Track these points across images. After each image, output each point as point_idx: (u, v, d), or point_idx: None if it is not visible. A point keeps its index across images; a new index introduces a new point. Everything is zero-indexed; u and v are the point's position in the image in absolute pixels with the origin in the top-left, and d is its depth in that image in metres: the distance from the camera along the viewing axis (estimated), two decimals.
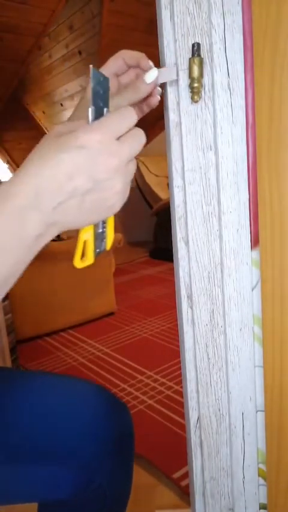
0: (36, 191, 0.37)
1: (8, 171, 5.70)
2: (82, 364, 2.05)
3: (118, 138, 0.41)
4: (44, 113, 4.78)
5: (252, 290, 0.62)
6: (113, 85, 0.53)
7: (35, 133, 4.99)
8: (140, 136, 0.43)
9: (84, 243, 0.45)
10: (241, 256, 0.60)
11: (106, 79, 0.44)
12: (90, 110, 0.41)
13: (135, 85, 0.51)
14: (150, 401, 1.67)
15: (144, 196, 4.58)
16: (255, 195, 0.59)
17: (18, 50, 3.95)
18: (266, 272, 0.59)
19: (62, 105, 4.47)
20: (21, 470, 0.63)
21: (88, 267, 0.48)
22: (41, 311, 2.36)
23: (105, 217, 0.43)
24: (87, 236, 0.45)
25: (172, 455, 1.36)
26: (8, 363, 1.66)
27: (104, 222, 0.47)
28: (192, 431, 0.68)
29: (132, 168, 0.43)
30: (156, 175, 4.52)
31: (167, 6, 0.54)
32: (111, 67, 0.53)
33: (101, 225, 0.47)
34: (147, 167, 4.53)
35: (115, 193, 0.41)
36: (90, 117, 0.41)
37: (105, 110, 0.43)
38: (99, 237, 0.47)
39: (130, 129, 0.42)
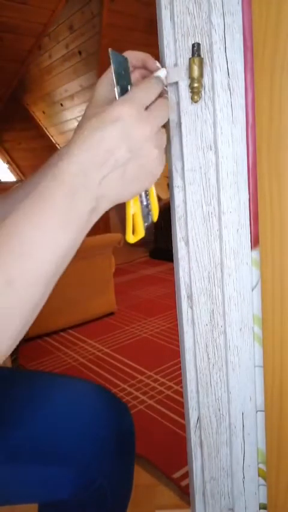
0: (81, 170, 0.40)
1: (8, 171, 5.70)
2: (82, 364, 2.05)
3: (146, 109, 0.43)
4: (44, 113, 4.78)
5: (252, 290, 0.62)
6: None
7: (34, 134, 4.99)
8: (166, 105, 0.46)
9: (133, 217, 0.48)
10: (241, 256, 0.60)
11: (125, 59, 0.47)
12: (116, 89, 0.45)
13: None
14: (150, 401, 1.67)
15: None
16: (255, 195, 0.59)
17: (18, 50, 3.95)
18: (266, 272, 0.59)
19: (62, 105, 4.47)
20: (21, 470, 0.63)
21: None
22: (41, 311, 2.36)
23: (148, 186, 0.46)
24: (134, 210, 0.48)
25: (172, 455, 1.36)
26: (8, 363, 1.66)
27: (147, 195, 0.50)
28: (192, 431, 0.68)
29: (163, 137, 0.45)
30: None
31: (167, 6, 0.54)
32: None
33: (144, 198, 0.50)
34: None
35: (153, 159, 0.44)
36: (117, 96, 0.44)
37: (129, 87, 0.46)
38: (145, 210, 0.50)
39: (155, 100, 0.45)
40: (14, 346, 0.42)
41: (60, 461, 0.63)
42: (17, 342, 0.42)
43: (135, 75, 0.54)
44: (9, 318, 0.40)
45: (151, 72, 0.52)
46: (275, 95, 0.52)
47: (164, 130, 0.46)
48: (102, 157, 0.41)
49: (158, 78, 0.47)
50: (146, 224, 0.50)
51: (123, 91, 0.45)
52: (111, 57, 0.45)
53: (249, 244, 0.60)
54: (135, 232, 0.49)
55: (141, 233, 0.49)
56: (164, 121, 0.46)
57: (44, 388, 0.70)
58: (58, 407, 0.67)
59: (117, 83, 0.45)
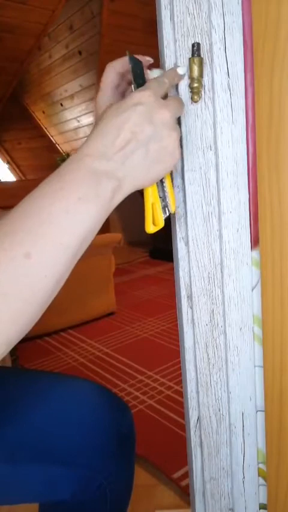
0: (102, 152, 0.42)
1: (8, 171, 5.70)
2: (82, 364, 2.05)
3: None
4: (43, 112, 4.78)
5: (252, 290, 0.62)
6: (115, 97, 0.54)
7: (34, 133, 4.99)
8: (180, 100, 0.49)
9: (152, 206, 0.49)
10: (241, 256, 0.60)
11: (140, 61, 0.51)
12: (132, 86, 0.48)
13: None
14: (150, 401, 1.67)
15: None
16: (255, 195, 0.59)
17: (18, 50, 3.96)
18: (266, 272, 0.59)
19: (61, 105, 4.47)
20: (21, 470, 0.63)
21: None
22: None
23: (169, 168, 0.47)
24: (153, 199, 0.49)
25: (172, 455, 1.36)
26: (8, 363, 1.66)
27: (163, 187, 0.51)
28: (192, 431, 0.68)
29: (178, 127, 0.47)
30: None
31: (167, 6, 0.54)
32: (107, 83, 0.53)
33: (161, 190, 0.51)
34: None
35: (173, 141, 0.45)
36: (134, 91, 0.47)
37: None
38: (163, 201, 0.51)
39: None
40: (29, 328, 0.41)
41: (61, 462, 0.63)
42: (30, 327, 0.41)
43: (126, 82, 0.55)
44: (30, 288, 0.38)
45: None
46: (274, 95, 0.52)
47: (178, 127, 0.48)
48: (124, 138, 0.42)
49: (165, 76, 0.50)
50: (165, 216, 0.51)
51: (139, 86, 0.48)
52: (129, 58, 0.49)
53: (249, 244, 0.60)
54: (155, 222, 0.51)
55: (161, 223, 0.50)
56: (179, 113, 0.48)
57: (45, 388, 0.70)
58: (58, 407, 0.67)
59: (134, 81, 0.48)
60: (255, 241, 0.60)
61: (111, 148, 0.42)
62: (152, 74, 0.52)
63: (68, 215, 0.39)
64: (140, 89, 0.45)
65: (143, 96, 0.43)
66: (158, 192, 0.50)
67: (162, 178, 0.50)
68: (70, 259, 0.41)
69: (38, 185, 0.41)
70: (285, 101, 0.52)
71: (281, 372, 0.61)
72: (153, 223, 0.50)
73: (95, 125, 0.45)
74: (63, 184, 0.40)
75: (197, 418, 0.67)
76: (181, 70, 0.53)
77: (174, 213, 0.56)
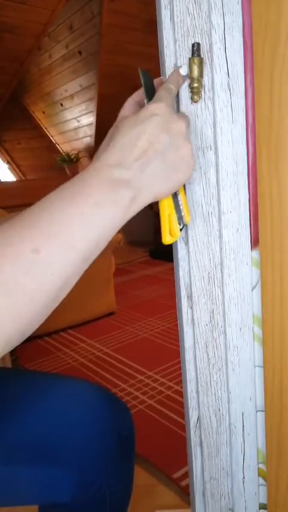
0: (120, 161, 0.42)
1: (8, 171, 5.70)
2: (82, 364, 2.05)
3: None
4: (43, 112, 4.78)
5: (252, 290, 0.62)
6: None
7: (34, 133, 4.99)
8: (186, 116, 0.52)
9: (168, 217, 0.50)
10: (241, 256, 0.60)
11: (150, 76, 0.52)
12: (145, 101, 0.50)
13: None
14: (150, 401, 1.67)
15: None
16: (255, 195, 0.59)
17: (18, 50, 3.96)
18: (266, 272, 0.59)
19: (62, 105, 4.47)
20: (21, 472, 0.63)
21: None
22: None
23: (186, 178, 0.48)
24: (169, 210, 0.50)
25: (172, 455, 1.36)
26: (8, 363, 1.66)
27: (178, 199, 0.52)
28: (192, 431, 0.68)
29: (192, 143, 0.49)
30: None
31: (166, 6, 0.54)
32: (126, 112, 0.54)
33: (176, 200, 0.52)
34: None
35: (189, 150, 0.46)
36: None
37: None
38: (178, 213, 0.52)
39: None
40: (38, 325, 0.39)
41: (61, 463, 0.63)
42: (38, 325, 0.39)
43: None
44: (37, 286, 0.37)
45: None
46: (274, 95, 0.52)
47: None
48: (142, 147, 0.42)
49: (170, 83, 0.51)
50: (181, 227, 0.52)
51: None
52: (141, 74, 0.51)
53: (249, 244, 0.60)
54: (172, 233, 0.51)
55: (177, 233, 0.51)
56: (187, 127, 0.49)
57: (44, 389, 0.70)
58: (58, 409, 0.67)
59: (147, 95, 0.49)
60: (255, 241, 0.60)
61: (130, 157, 0.42)
62: (182, 70, 0.54)
63: (83, 217, 0.39)
64: (153, 100, 0.46)
65: (157, 108, 0.44)
66: (173, 202, 0.51)
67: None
68: (80, 263, 0.40)
69: (55, 189, 0.41)
70: (285, 101, 0.52)
71: (281, 372, 0.61)
72: (170, 234, 0.51)
73: (111, 136, 0.46)
74: (81, 189, 0.40)
75: (197, 418, 0.67)
76: (183, 70, 0.53)
77: (188, 224, 0.57)
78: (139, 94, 0.54)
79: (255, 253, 0.61)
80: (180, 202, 0.53)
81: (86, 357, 2.13)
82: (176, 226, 0.51)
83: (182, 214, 0.53)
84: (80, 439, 0.65)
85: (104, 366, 2.01)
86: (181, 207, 0.53)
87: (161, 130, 0.43)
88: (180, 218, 0.52)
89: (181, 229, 0.52)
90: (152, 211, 4.41)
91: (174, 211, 0.51)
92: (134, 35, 3.47)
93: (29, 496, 0.67)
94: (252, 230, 0.60)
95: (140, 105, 0.54)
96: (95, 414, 0.68)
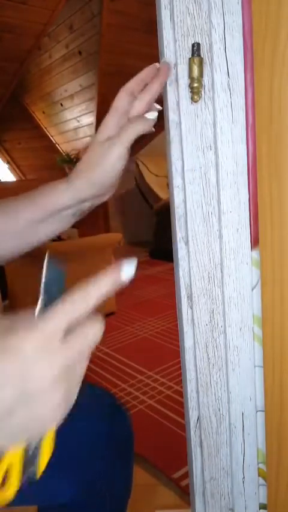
0: None
1: (8, 171, 5.70)
2: None
3: (65, 335, 0.33)
4: (43, 112, 4.78)
5: (252, 290, 0.62)
6: (121, 121, 0.55)
7: (34, 133, 4.99)
8: (94, 331, 0.34)
9: (8, 467, 0.36)
10: (241, 256, 0.60)
11: (61, 270, 0.39)
12: (40, 300, 0.36)
13: (142, 118, 0.54)
14: (150, 401, 1.67)
15: (144, 196, 4.58)
16: (255, 194, 0.59)
17: (18, 50, 3.95)
18: (266, 272, 0.59)
19: (61, 105, 4.47)
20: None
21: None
22: None
23: (36, 437, 0.36)
24: (13, 459, 0.36)
25: (172, 455, 1.36)
26: None
27: (37, 445, 0.38)
28: (192, 431, 0.68)
29: (80, 371, 0.36)
30: (156, 175, 4.53)
31: (167, 6, 0.54)
32: (117, 107, 0.55)
33: (32, 447, 0.38)
34: (147, 167, 4.53)
35: (51, 409, 0.34)
36: (38, 308, 0.35)
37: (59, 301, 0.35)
38: (29, 462, 0.37)
39: (83, 320, 0.34)
40: None
41: (60, 465, 0.63)
42: None
43: (135, 108, 0.55)
44: None
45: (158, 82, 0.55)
46: (274, 95, 0.52)
47: (84, 362, 0.36)
48: None
49: (87, 294, 0.35)
50: (26, 476, 0.37)
51: (49, 303, 0.35)
52: (45, 263, 0.37)
53: (249, 244, 0.60)
54: (6, 485, 0.37)
55: (13, 487, 0.37)
56: (87, 352, 0.35)
57: None
58: None
59: (44, 291, 0.37)
60: (255, 241, 0.60)
61: None
62: (149, 115, 0.53)
63: None
64: (33, 323, 0.33)
65: (26, 344, 0.31)
66: (26, 450, 0.37)
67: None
68: None
69: None
70: (285, 101, 0.52)
71: (281, 372, 0.61)
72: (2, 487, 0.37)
73: None
74: None
75: (197, 418, 0.67)
76: (151, 115, 0.54)
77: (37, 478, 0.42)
78: (135, 82, 0.54)
79: (255, 253, 0.61)
80: (37, 448, 0.38)
81: None
82: (15, 479, 0.37)
83: (35, 464, 0.38)
84: (78, 441, 0.64)
85: (104, 366, 2.01)
86: (37, 457, 0.38)
87: (14, 379, 0.31)
88: (29, 467, 0.37)
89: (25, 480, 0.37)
90: (151, 211, 4.41)
91: (20, 460, 0.36)
92: (134, 35, 3.46)
93: (28, 497, 0.66)
94: (252, 230, 0.60)
95: (133, 97, 0.54)
96: (93, 415, 0.68)
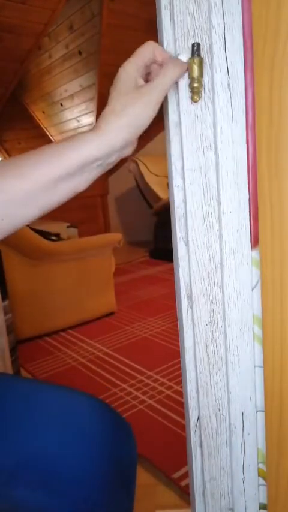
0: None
1: None
2: (82, 364, 2.05)
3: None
4: (43, 112, 4.77)
5: (252, 290, 0.62)
6: (140, 73, 0.53)
7: (34, 133, 4.99)
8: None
9: None
10: (241, 256, 0.60)
11: None
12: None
13: (175, 61, 0.53)
14: (150, 401, 1.67)
15: (144, 196, 4.58)
16: (255, 194, 0.59)
17: (18, 50, 3.95)
18: (266, 272, 0.59)
19: (62, 105, 4.47)
20: (15, 494, 0.58)
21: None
22: (41, 311, 2.36)
23: None
24: None
25: (172, 455, 1.36)
26: (8, 363, 1.66)
27: None
28: (192, 431, 0.68)
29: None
30: (156, 175, 4.53)
31: (166, 6, 0.54)
32: (142, 56, 0.52)
33: None
34: (147, 167, 4.53)
35: None
36: None
37: None
38: None
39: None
40: None
41: (57, 491, 0.58)
42: None
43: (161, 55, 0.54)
44: None
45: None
46: (274, 95, 0.52)
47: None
48: None
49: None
50: None
51: None
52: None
53: (249, 244, 0.60)
54: None
55: None
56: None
57: (40, 410, 0.63)
58: (57, 431, 0.61)
59: None
60: (255, 241, 0.60)
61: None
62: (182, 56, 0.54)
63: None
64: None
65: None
66: None
67: None
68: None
69: None
70: (285, 101, 0.52)
71: (281, 372, 0.61)
72: None
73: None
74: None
75: (197, 418, 0.67)
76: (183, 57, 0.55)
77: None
78: (161, 51, 0.54)
79: (255, 253, 0.61)
80: None
81: (86, 356, 2.13)
82: None
83: None
84: (78, 466, 0.59)
85: (104, 366, 2.01)
86: None
87: None
88: None
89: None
90: (151, 211, 4.41)
91: None
92: (134, 34, 3.46)
93: None
94: (252, 230, 0.60)
95: (150, 64, 0.54)
96: (96, 439, 0.62)
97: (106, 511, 0.62)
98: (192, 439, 0.68)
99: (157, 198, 4.37)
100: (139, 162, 4.49)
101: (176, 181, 0.59)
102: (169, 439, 1.44)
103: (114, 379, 1.88)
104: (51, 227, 3.08)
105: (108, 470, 0.62)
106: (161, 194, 4.36)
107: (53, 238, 2.57)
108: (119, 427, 0.67)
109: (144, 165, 4.53)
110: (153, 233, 4.45)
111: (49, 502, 0.58)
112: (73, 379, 1.91)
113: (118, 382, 1.85)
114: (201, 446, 0.68)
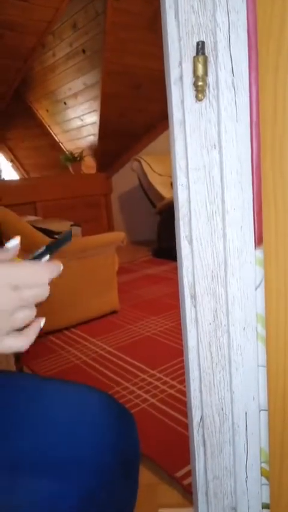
0: None
1: (12, 169, 5.71)
2: (85, 363, 2.05)
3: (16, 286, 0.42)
4: (47, 111, 4.78)
5: (256, 289, 0.62)
6: None
7: (38, 132, 5.00)
8: (41, 293, 0.45)
9: None
10: (245, 255, 0.60)
11: (70, 240, 0.49)
12: (43, 248, 0.46)
13: None
14: (153, 400, 1.67)
15: (148, 195, 4.58)
16: (259, 193, 0.58)
17: (21, 48, 3.96)
18: (269, 271, 0.59)
19: (65, 103, 4.47)
20: (21, 483, 0.61)
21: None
22: (44, 309, 2.35)
23: None
24: None
25: (175, 454, 1.36)
26: (11, 362, 1.66)
27: None
28: (195, 430, 0.68)
29: (21, 318, 0.44)
30: (160, 175, 4.52)
31: (171, 5, 0.54)
32: None
33: None
34: (150, 166, 4.53)
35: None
36: (38, 252, 0.46)
37: (47, 256, 0.47)
38: None
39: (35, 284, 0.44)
40: None
41: (62, 477, 0.61)
42: None
43: None
44: None
45: None
46: (279, 93, 0.52)
47: (30, 310, 0.45)
48: None
49: (47, 267, 0.47)
50: None
51: (39, 256, 0.47)
52: (65, 232, 0.49)
53: (253, 243, 0.60)
54: None
55: None
56: (31, 303, 0.46)
57: (46, 401, 0.67)
58: (61, 419, 0.63)
59: (46, 246, 0.47)
60: (259, 240, 0.60)
61: None
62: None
63: None
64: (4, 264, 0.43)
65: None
66: None
67: None
68: None
69: None
70: None
71: (285, 371, 0.61)
72: None
73: None
74: None
75: (200, 417, 0.67)
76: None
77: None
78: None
79: (259, 252, 0.60)
80: None
81: (89, 355, 2.13)
82: None
83: None
84: (83, 454, 0.62)
85: (107, 365, 2.01)
86: None
87: None
88: None
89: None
90: (155, 210, 4.41)
91: None
92: (138, 33, 3.46)
93: (29, 509, 0.64)
94: (256, 229, 0.60)
95: None
96: (100, 428, 0.64)
97: (110, 501, 0.63)
98: (195, 438, 0.68)
99: (160, 197, 4.37)
100: (142, 161, 4.48)
101: (180, 180, 0.59)
102: (172, 437, 1.44)
103: (117, 378, 1.88)
104: (55, 226, 3.08)
105: (113, 459, 0.64)
106: (164, 193, 4.35)
107: (56, 236, 2.57)
108: (123, 417, 0.68)
109: (148, 164, 4.52)
110: (156, 232, 4.44)
111: (53, 491, 0.60)
112: (76, 377, 1.91)
113: (121, 380, 1.85)
114: (204, 445, 0.68)
